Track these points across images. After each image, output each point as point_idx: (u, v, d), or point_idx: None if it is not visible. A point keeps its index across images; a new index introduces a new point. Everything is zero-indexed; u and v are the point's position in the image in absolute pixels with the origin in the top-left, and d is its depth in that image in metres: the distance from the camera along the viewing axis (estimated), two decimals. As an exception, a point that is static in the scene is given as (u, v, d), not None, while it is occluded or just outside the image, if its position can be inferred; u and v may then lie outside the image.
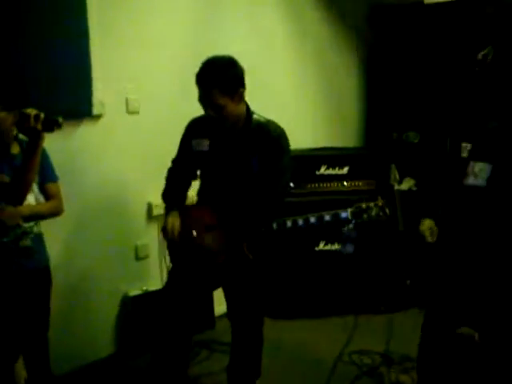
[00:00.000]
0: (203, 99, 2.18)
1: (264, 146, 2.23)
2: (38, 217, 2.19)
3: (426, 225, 2.30)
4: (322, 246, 3.55)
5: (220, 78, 2.13)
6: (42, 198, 2.21)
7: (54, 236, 2.51)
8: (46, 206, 2.21)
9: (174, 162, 2.49)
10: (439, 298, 2.23)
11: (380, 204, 2.20)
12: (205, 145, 2.31)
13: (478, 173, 1.99)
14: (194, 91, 2.19)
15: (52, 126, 2.00)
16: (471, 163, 2.02)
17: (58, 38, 2.58)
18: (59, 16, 2.58)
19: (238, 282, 2.38)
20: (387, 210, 2.21)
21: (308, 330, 3.39)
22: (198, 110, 2.26)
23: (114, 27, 2.85)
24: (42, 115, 1.99)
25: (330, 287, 3.60)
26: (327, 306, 3.61)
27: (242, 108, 2.26)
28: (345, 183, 3.63)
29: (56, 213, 2.26)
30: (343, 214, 2.17)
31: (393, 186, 3.71)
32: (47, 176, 2.22)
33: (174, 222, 2.34)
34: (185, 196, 2.50)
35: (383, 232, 3.41)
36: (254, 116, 2.30)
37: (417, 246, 2.35)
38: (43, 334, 2.27)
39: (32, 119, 1.97)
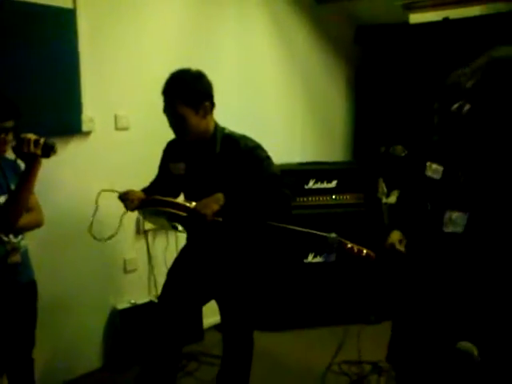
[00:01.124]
0: (166, 109, 2.17)
1: (236, 160, 2.18)
2: (18, 229, 2.07)
3: (395, 236, 2.28)
4: (310, 258, 3.58)
5: (183, 88, 2.12)
6: None
7: (43, 250, 2.53)
8: (26, 219, 2.07)
9: (152, 182, 2.48)
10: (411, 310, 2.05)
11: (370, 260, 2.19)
12: (181, 168, 2.30)
13: (456, 221, 1.95)
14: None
15: (49, 151, 1.97)
16: (447, 212, 1.87)
17: (48, 55, 2.61)
18: (49, 33, 2.62)
19: (230, 293, 2.37)
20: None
21: (297, 341, 3.39)
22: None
23: (103, 44, 2.90)
24: (42, 140, 1.95)
25: (319, 298, 3.61)
26: (316, 317, 3.62)
27: (209, 124, 2.21)
28: (333, 197, 3.67)
29: (36, 225, 2.17)
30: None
31: (380, 200, 3.75)
32: None
33: (135, 192, 2.27)
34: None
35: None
36: (226, 132, 2.25)
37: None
38: (29, 350, 2.20)
39: (32, 144, 1.92)
